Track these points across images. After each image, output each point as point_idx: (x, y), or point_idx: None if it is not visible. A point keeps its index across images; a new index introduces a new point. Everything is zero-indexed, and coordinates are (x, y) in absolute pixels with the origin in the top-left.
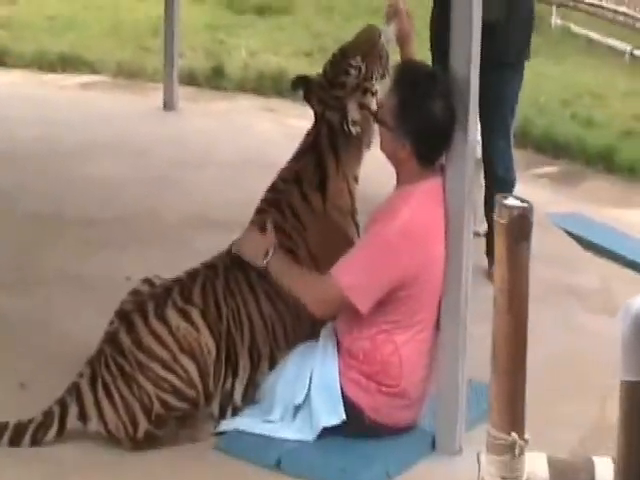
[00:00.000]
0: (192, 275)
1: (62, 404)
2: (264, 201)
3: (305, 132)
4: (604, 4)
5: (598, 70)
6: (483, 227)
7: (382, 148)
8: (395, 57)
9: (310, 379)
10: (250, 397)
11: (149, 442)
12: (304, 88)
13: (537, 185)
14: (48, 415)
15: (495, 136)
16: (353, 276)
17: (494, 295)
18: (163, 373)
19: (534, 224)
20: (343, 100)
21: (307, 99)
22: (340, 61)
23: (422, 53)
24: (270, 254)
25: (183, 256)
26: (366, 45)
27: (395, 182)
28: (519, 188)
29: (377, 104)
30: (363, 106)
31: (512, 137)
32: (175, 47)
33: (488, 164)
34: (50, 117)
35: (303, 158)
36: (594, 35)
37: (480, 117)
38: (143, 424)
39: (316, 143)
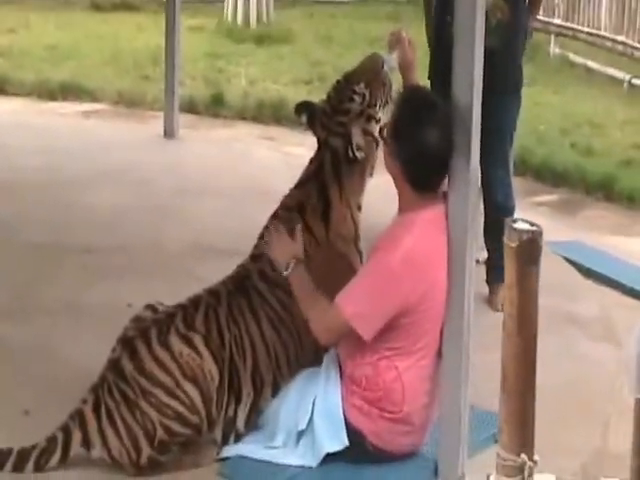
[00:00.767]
0: (195, 302)
1: (65, 430)
2: (267, 229)
3: (305, 160)
4: (603, 33)
5: (597, 99)
6: (483, 255)
7: (385, 164)
8: (397, 85)
9: (313, 405)
10: (253, 423)
11: (152, 468)
12: (307, 114)
13: (536, 213)
14: (51, 441)
15: (494, 163)
16: (357, 304)
17: (503, 318)
18: (166, 399)
19: None
20: (347, 126)
21: (310, 125)
22: (344, 88)
23: (423, 81)
24: (292, 265)
25: (184, 284)
26: (370, 72)
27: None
28: (518, 216)
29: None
30: (367, 133)
31: (511, 164)
32: (176, 75)
33: (487, 191)
34: (50, 145)
35: (306, 185)
36: (593, 64)
37: (480, 144)
38: (146, 450)
39: (319, 170)
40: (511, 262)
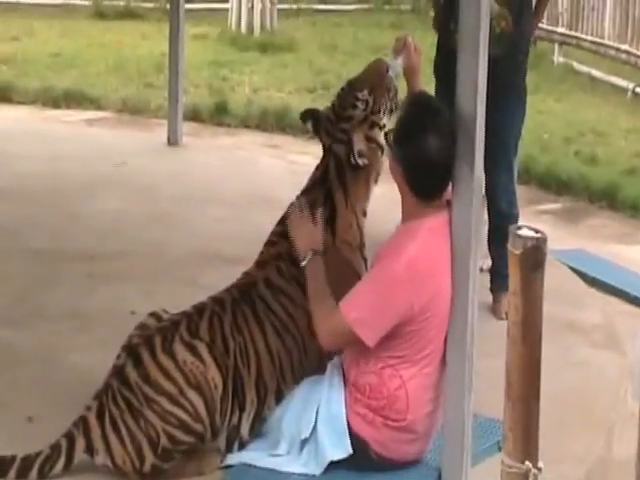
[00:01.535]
0: (199, 309)
1: (69, 437)
2: (274, 234)
3: (310, 167)
4: (606, 42)
5: (600, 108)
6: (487, 263)
7: (390, 170)
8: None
9: (316, 413)
10: (257, 431)
11: (156, 476)
12: (313, 121)
13: (540, 221)
14: (55, 448)
15: (498, 171)
16: (360, 311)
17: (507, 325)
18: (170, 407)
19: None
20: (350, 133)
21: (316, 132)
22: (348, 94)
23: (428, 87)
24: (309, 256)
25: (188, 291)
26: (374, 78)
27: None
28: (522, 224)
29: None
30: (370, 139)
31: (515, 172)
32: (179, 83)
33: (491, 199)
34: (54, 153)
35: (312, 192)
36: (596, 73)
37: (483, 153)
38: (150, 458)
39: (325, 177)
40: (515, 269)
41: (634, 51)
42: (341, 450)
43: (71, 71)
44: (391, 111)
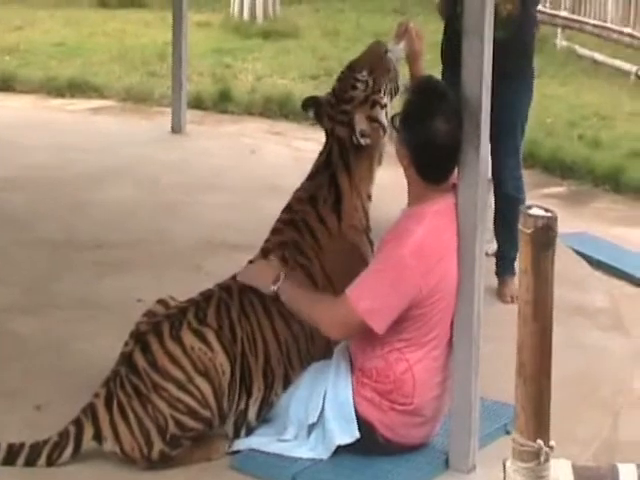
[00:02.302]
0: (207, 296)
1: (78, 424)
2: (280, 221)
3: (313, 154)
4: (609, 25)
5: (604, 91)
6: (492, 247)
7: (396, 154)
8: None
9: (324, 398)
10: (264, 416)
11: (164, 462)
12: (314, 108)
13: (545, 205)
14: (64, 435)
15: (505, 155)
16: (369, 299)
17: (519, 304)
18: (178, 394)
19: None
20: (351, 114)
21: (318, 119)
22: (347, 76)
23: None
24: (281, 279)
25: (194, 279)
26: (372, 59)
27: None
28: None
29: (387, 113)
30: (372, 119)
31: (521, 156)
32: (183, 71)
33: (497, 183)
34: (60, 142)
35: (317, 177)
36: (599, 56)
37: (490, 136)
38: (158, 444)
39: (329, 161)
40: (526, 248)
41: (637, 34)
42: (348, 434)
43: (75, 60)
44: (392, 93)
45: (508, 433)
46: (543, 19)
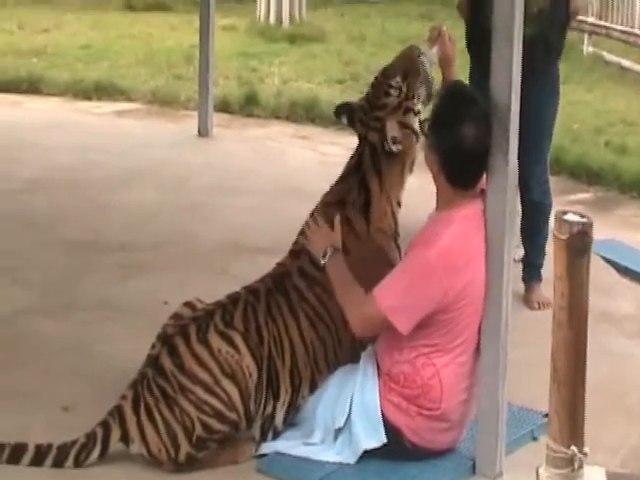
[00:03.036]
0: (234, 299)
1: (105, 426)
2: (307, 225)
3: (339, 159)
4: (636, 31)
5: (631, 97)
6: (519, 253)
7: (425, 159)
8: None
9: (351, 402)
10: (291, 420)
11: (190, 464)
12: (347, 114)
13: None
14: (91, 437)
15: (531, 161)
16: (394, 298)
17: (553, 310)
18: (205, 396)
19: None
20: (383, 120)
21: (351, 124)
22: (381, 82)
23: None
24: (329, 254)
25: (219, 282)
26: (406, 64)
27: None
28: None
29: (420, 119)
30: (404, 125)
31: (548, 162)
32: (210, 75)
33: (524, 189)
34: (86, 144)
35: (347, 180)
36: (626, 62)
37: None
38: (185, 447)
39: (359, 165)
40: (561, 254)
41: None
42: (375, 439)
43: (101, 63)
44: (426, 98)
45: (535, 439)
46: (570, 25)
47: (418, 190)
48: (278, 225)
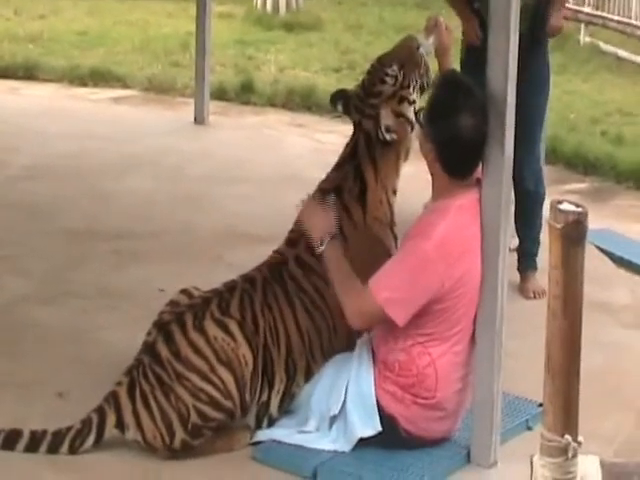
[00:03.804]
0: (230, 287)
1: (100, 412)
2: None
3: (335, 147)
4: (633, 22)
5: (627, 88)
6: (514, 242)
7: (420, 148)
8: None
9: (346, 390)
10: (286, 408)
11: (185, 452)
12: (342, 101)
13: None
14: (86, 423)
15: (524, 149)
16: (391, 290)
17: (548, 300)
18: (200, 384)
19: None
20: (378, 108)
21: (346, 112)
22: (377, 70)
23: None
24: (326, 241)
25: (216, 270)
26: (403, 54)
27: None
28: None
29: (416, 109)
30: (399, 114)
31: (541, 150)
32: (206, 62)
33: (517, 178)
34: (83, 131)
35: (342, 168)
36: (623, 53)
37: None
38: (180, 434)
39: (354, 153)
40: (556, 243)
41: None
42: (370, 427)
43: (97, 49)
44: (422, 88)
45: (530, 429)
46: (566, 15)
47: (413, 178)
48: (275, 213)
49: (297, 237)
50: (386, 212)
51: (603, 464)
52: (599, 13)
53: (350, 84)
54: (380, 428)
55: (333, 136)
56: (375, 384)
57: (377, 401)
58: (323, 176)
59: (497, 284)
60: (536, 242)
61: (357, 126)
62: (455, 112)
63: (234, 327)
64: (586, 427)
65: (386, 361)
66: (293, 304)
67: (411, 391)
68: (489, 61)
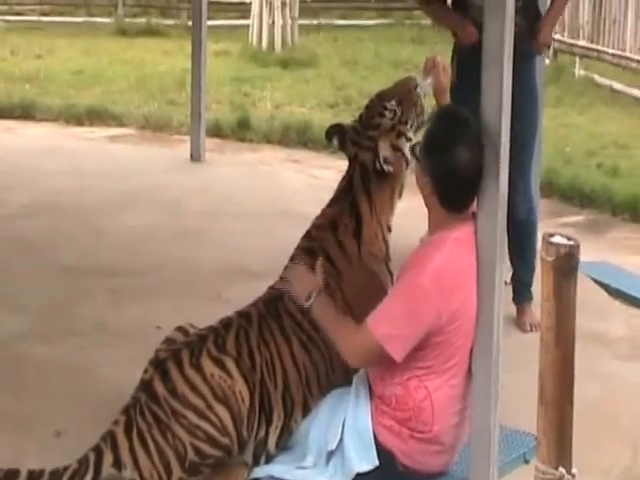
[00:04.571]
0: (226, 324)
1: (97, 451)
2: (299, 249)
3: (332, 182)
4: (628, 54)
5: (622, 120)
6: (508, 275)
7: (416, 182)
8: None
9: (343, 425)
10: (284, 444)
11: None
12: (338, 136)
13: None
14: (83, 462)
15: (515, 179)
16: (388, 326)
17: (541, 331)
18: (197, 421)
19: None
20: (376, 140)
21: (342, 146)
22: (376, 104)
23: None
24: (313, 296)
25: (214, 306)
26: (402, 91)
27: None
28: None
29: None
30: (396, 148)
31: (533, 177)
32: (202, 99)
33: (510, 207)
34: (79, 169)
35: (338, 203)
36: (618, 85)
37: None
38: (177, 472)
39: (350, 187)
40: (548, 276)
41: None
42: (367, 462)
43: (93, 88)
44: (418, 127)
45: (527, 462)
46: (561, 48)
47: (409, 212)
48: (272, 249)
49: None
50: (381, 247)
51: None
52: (594, 46)
53: (346, 119)
54: (377, 463)
55: (329, 172)
56: (372, 418)
57: (374, 435)
58: (319, 211)
59: (493, 317)
60: (530, 271)
61: (353, 159)
62: (452, 145)
63: (230, 364)
64: (583, 459)
65: (383, 395)
66: (289, 339)
67: (408, 425)
68: (483, 93)
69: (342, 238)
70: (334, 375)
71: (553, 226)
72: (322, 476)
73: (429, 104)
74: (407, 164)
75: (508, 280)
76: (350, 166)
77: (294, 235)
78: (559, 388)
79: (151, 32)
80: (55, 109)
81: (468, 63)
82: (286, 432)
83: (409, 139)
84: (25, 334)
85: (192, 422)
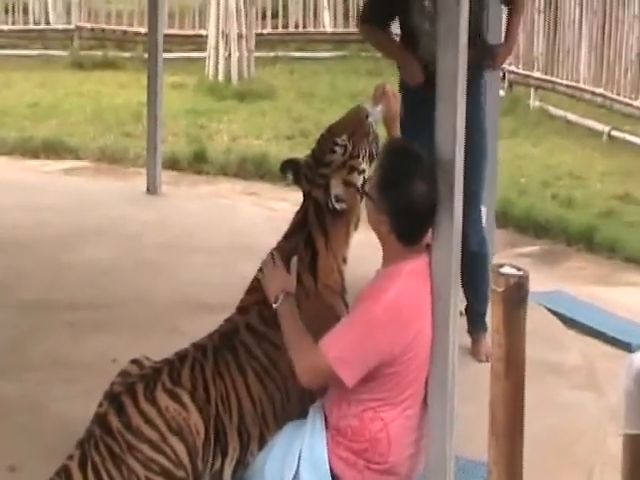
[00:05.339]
0: (182, 356)
1: None
2: (256, 280)
3: (289, 214)
4: (582, 85)
5: (577, 151)
6: (462, 306)
7: (368, 221)
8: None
9: (299, 457)
10: (239, 477)
11: None
12: (293, 171)
13: (519, 264)
14: None
15: (468, 208)
16: (340, 349)
17: (491, 362)
18: (152, 454)
19: None
20: (328, 178)
21: (296, 181)
22: (327, 140)
23: None
24: (281, 298)
25: (170, 339)
26: (353, 123)
27: (382, 263)
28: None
29: (365, 178)
30: (349, 184)
31: (482, 205)
32: (158, 132)
33: (462, 238)
34: (36, 203)
35: (293, 237)
36: (572, 116)
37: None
38: None
39: (305, 222)
40: (498, 307)
41: (609, 94)
42: None
43: (49, 121)
44: (371, 156)
45: None
46: (516, 80)
47: (364, 244)
48: (229, 282)
49: (248, 305)
50: (337, 280)
51: None
52: (548, 77)
53: (303, 152)
54: None
55: (286, 204)
56: (328, 450)
57: (330, 467)
58: (276, 244)
59: (448, 347)
60: (483, 302)
61: (307, 195)
62: (407, 181)
63: (185, 397)
64: None
65: (338, 427)
66: (245, 372)
67: (364, 456)
68: (437, 129)
69: (298, 272)
70: (290, 406)
71: (508, 257)
72: None
73: (381, 134)
74: (361, 197)
75: (463, 311)
76: (304, 201)
77: (251, 268)
78: (509, 418)
79: (107, 65)
80: (10, 142)
81: (415, 98)
82: (242, 465)
83: (362, 171)
84: None
85: (147, 455)
